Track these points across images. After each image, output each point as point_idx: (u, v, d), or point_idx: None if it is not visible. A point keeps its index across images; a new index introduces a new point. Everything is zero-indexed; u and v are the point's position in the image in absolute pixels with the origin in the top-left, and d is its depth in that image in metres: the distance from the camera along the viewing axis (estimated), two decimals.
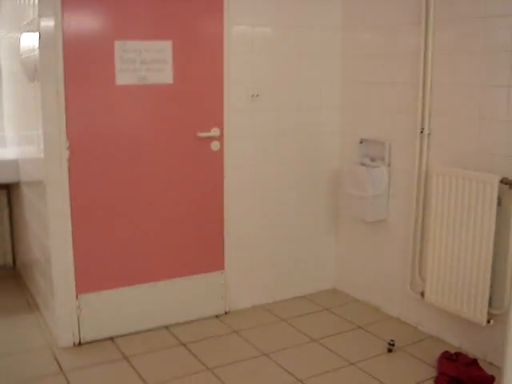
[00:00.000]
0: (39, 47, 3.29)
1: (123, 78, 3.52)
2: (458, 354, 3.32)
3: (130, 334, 3.72)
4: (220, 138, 3.86)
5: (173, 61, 3.64)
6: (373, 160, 4.04)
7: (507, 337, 2.02)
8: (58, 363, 3.38)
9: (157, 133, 3.68)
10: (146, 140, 3.65)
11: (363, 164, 4.05)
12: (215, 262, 4.00)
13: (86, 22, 3.38)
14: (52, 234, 3.47)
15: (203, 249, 3.95)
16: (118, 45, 3.46)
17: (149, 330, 3.78)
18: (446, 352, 3.36)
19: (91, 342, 3.62)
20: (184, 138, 3.75)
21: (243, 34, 3.86)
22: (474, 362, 3.25)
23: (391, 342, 3.55)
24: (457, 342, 3.57)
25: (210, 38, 3.75)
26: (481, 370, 3.19)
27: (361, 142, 4.13)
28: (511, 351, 1.95)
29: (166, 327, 3.83)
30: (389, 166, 3.93)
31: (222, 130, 3.85)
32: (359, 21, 4.10)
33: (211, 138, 3.83)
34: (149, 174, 3.69)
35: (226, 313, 4.06)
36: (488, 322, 3.24)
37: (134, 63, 3.52)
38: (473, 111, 3.34)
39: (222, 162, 3.90)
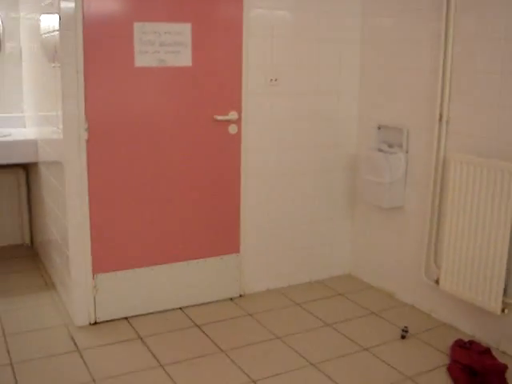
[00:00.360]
0: (59, 28, 3.30)
1: (142, 60, 3.51)
2: (472, 343, 3.32)
3: (145, 314, 3.76)
4: (238, 122, 3.85)
5: (192, 44, 3.63)
6: (390, 146, 4.02)
7: None
8: (74, 342, 3.42)
9: (175, 115, 3.68)
10: (163, 122, 3.66)
11: (381, 150, 4.03)
12: (231, 245, 4.02)
13: (106, 4, 3.38)
14: (69, 214, 3.50)
15: (219, 231, 3.96)
16: (138, 26, 3.46)
17: (164, 311, 3.81)
18: (460, 340, 3.36)
19: (106, 322, 3.66)
20: (202, 121, 3.76)
21: (262, 17, 3.84)
22: (487, 351, 3.24)
23: (405, 329, 3.56)
24: (470, 330, 3.57)
25: (229, 21, 3.74)
26: (494, 358, 3.19)
27: (379, 128, 4.11)
28: None
29: (181, 309, 3.86)
30: (406, 152, 3.91)
31: (239, 113, 3.85)
32: (379, 6, 4.07)
33: (229, 122, 3.83)
34: (166, 156, 3.70)
35: (240, 296, 4.09)
36: (502, 310, 3.23)
37: (153, 45, 3.52)
38: (492, 99, 3.31)
39: (239, 145, 3.90)
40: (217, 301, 3.99)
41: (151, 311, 3.79)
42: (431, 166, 3.69)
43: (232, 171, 3.93)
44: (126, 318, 3.71)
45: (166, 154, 3.70)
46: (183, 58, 3.63)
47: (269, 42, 3.90)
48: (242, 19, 3.76)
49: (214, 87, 3.76)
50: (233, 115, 3.82)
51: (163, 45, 3.55)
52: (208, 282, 3.96)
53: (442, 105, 3.60)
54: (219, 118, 3.78)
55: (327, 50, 4.13)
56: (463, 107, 3.50)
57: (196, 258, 3.90)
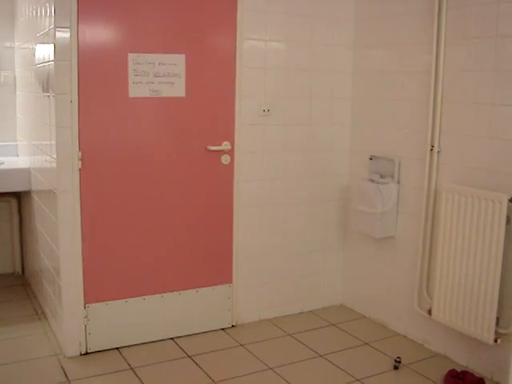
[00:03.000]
0: (54, 58, 3.33)
1: (136, 91, 3.55)
2: (465, 373, 3.30)
3: (137, 344, 3.73)
4: (230, 152, 3.88)
5: (186, 74, 3.67)
6: (382, 177, 4.05)
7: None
8: (65, 372, 3.38)
9: (168, 145, 3.71)
10: (157, 152, 3.68)
11: (373, 180, 4.06)
12: (223, 275, 4.01)
13: (101, 34, 3.43)
14: (62, 244, 3.49)
15: (212, 261, 3.96)
16: (132, 57, 3.50)
17: (155, 342, 3.79)
18: (453, 370, 3.35)
19: (98, 352, 3.63)
20: (195, 151, 3.78)
21: (255, 48, 3.89)
22: (480, 381, 3.23)
23: (397, 359, 3.55)
24: (463, 360, 3.56)
25: (222, 52, 3.79)
26: None
27: (370, 159, 4.14)
28: None
29: (173, 339, 3.84)
30: (398, 182, 3.94)
31: (232, 143, 3.88)
32: (371, 38, 4.13)
33: (222, 152, 3.85)
34: (159, 186, 3.71)
35: (232, 326, 4.07)
36: (495, 341, 3.23)
37: (147, 76, 3.56)
38: (483, 130, 3.35)
39: (231, 175, 3.93)
40: (209, 331, 3.97)
41: (143, 341, 3.76)
42: (423, 196, 3.72)
43: (225, 201, 3.94)
44: (117, 349, 3.68)
45: (159, 183, 3.71)
46: (177, 89, 3.67)
47: (262, 73, 3.95)
48: (235, 51, 3.81)
49: (207, 118, 3.79)
50: (226, 145, 3.85)
51: (157, 75, 3.59)
52: (200, 313, 3.94)
53: (433, 135, 3.64)
54: (212, 148, 3.80)
55: (319, 81, 4.18)
56: (454, 138, 3.54)
57: (188, 288, 3.88)
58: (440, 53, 3.55)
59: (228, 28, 3.78)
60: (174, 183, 3.76)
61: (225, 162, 3.88)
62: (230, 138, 3.87)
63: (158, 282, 3.79)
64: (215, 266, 3.98)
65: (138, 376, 3.37)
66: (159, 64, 3.59)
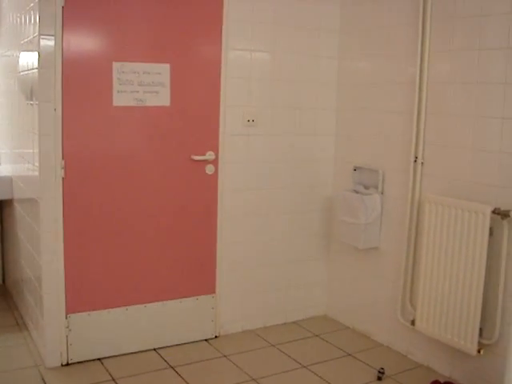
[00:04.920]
0: (38, 66, 3.31)
1: (120, 100, 3.53)
2: None
3: (119, 355, 3.69)
4: (214, 162, 3.87)
5: (170, 84, 3.67)
6: (366, 188, 4.06)
7: (507, 365, 2.01)
8: (45, 383, 3.34)
9: (152, 154, 3.69)
10: (141, 161, 3.66)
11: (356, 191, 4.07)
12: (206, 286, 3.99)
13: (86, 43, 3.42)
14: (43, 253, 3.46)
15: (195, 272, 3.93)
16: (116, 66, 3.49)
17: (138, 353, 3.75)
18: (436, 381, 3.35)
19: (79, 363, 3.59)
20: (179, 161, 3.77)
21: (240, 58, 3.90)
22: None
23: (381, 370, 3.54)
24: (447, 371, 3.57)
25: (208, 62, 3.79)
26: None
27: (354, 170, 4.16)
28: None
29: (155, 350, 3.80)
30: (382, 193, 3.95)
31: (217, 153, 3.87)
32: (356, 50, 4.15)
33: (206, 162, 3.85)
34: (143, 196, 3.69)
35: (215, 337, 4.04)
36: (478, 351, 3.24)
37: (131, 85, 3.55)
38: (466, 141, 3.38)
39: (215, 185, 3.92)
40: (192, 342, 3.94)
41: (125, 352, 3.73)
42: (406, 207, 3.73)
43: (208, 211, 3.93)
44: (99, 359, 3.64)
45: (143, 193, 3.69)
46: (162, 98, 3.66)
47: (246, 84, 3.95)
48: (220, 61, 3.81)
49: (191, 127, 3.78)
50: (210, 155, 3.84)
51: (142, 84, 3.58)
52: (183, 323, 3.92)
53: (416, 147, 3.66)
54: (196, 158, 3.79)
55: (304, 92, 4.19)
56: (438, 149, 3.56)
57: (171, 299, 3.86)
58: (424, 65, 3.57)
59: (213, 38, 3.78)
60: (158, 192, 3.74)
61: (209, 172, 3.87)
62: (215, 148, 3.87)
63: (141, 292, 3.76)
64: (199, 277, 3.96)
65: None
66: (144, 73, 3.58)
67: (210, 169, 3.87)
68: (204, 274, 3.98)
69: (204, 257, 3.96)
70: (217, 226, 3.97)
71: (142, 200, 3.69)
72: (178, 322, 3.90)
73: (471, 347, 3.25)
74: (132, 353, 3.74)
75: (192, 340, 3.95)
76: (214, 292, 4.02)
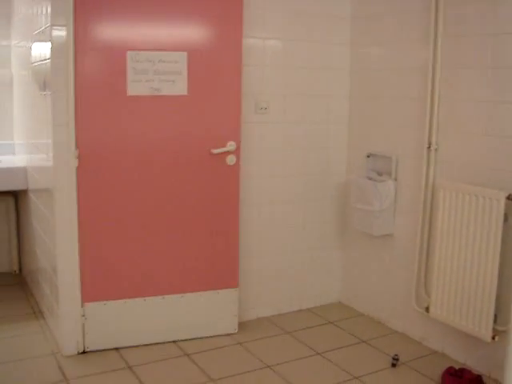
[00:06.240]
0: (51, 56, 3.32)
1: (135, 89, 3.49)
2: (463, 370, 3.31)
3: (137, 346, 3.70)
4: (236, 152, 3.75)
5: (188, 72, 3.58)
6: (380, 174, 4.05)
7: (507, 353, 2.01)
8: (62, 371, 3.38)
9: (169, 144, 3.62)
10: (157, 150, 3.60)
11: (370, 178, 4.05)
12: (228, 279, 3.88)
13: (99, 32, 3.40)
14: (59, 242, 3.49)
15: (216, 265, 3.84)
16: (131, 55, 3.45)
17: (156, 344, 3.74)
18: (451, 368, 3.34)
19: (96, 352, 3.62)
20: (198, 151, 3.67)
21: (254, 46, 3.88)
22: (478, 379, 3.24)
23: (395, 357, 3.55)
24: (461, 357, 3.56)
25: (227, 49, 3.66)
26: None
27: (368, 156, 4.14)
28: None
29: (175, 342, 3.79)
30: (395, 180, 3.94)
31: (238, 143, 3.75)
32: (368, 36, 4.12)
33: (227, 153, 3.73)
34: (160, 185, 3.64)
35: (237, 332, 3.98)
36: (493, 338, 3.23)
37: (146, 74, 3.50)
38: (480, 127, 3.35)
39: (237, 176, 3.79)
40: (212, 336, 3.87)
41: (142, 343, 3.72)
42: (420, 193, 3.71)
43: (229, 202, 3.81)
44: (116, 349, 3.66)
45: (160, 182, 3.64)
46: (178, 87, 3.58)
47: (259, 71, 3.93)
48: (241, 48, 3.67)
49: (210, 116, 3.68)
50: (231, 146, 3.72)
51: (157, 73, 3.52)
52: (203, 317, 3.85)
53: (430, 133, 3.63)
54: (216, 151, 3.67)
55: (317, 79, 4.18)
56: (451, 135, 3.54)
57: (191, 291, 3.79)
58: (437, 50, 3.54)
59: (233, 25, 3.64)
60: (176, 183, 3.67)
61: (230, 163, 3.75)
62: (236, 138, 3.74)
63: (159, 283, 3.72)
64: (220, 270, 3.85)
65: (136, 374, 3.36)
66: (159, 61, 3.51)
67: (231, 159, 3.75)
68: (226, 267, 3.87)
69: (226, 249, 3.85)
70: (238, 217, 3.86)
71: (159, 189, 3.64)
72: (198, 315, 3.84)
73: (486, 334, 3.24)
74: (150, 344, 3.73)
75: (212, 334, 3.88)
76: (236, 286, 3.92)
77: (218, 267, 3.85)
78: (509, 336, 2.00)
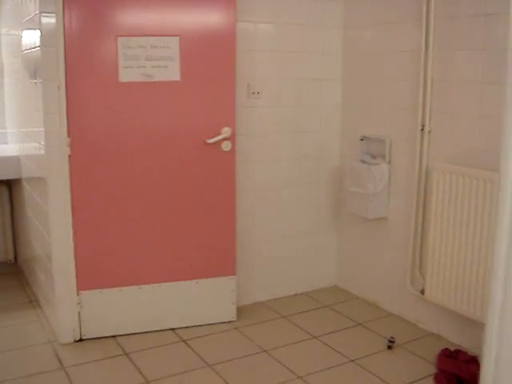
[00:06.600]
0: (40, 44, 3.29)
1: (127, 75, 3.46)
2: (458, 352, 3.32)
3: (133, 334, 3.70)
4: (231, 138, 3.70)
5: (180, 57, 3.53)
6: (373, 157, 4.05)
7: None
8: (59, 359, 3.39)
9: (163, 131, 3.59)
10: (151, 137, 3.57)
11: (364, 161, 4.05)
12: (225, 267, 3.85)
13: (88, 18, 3.36)
14: (53, 231, 3.48)
15: (213, 252, 3.81)
16: (122, 41, 3.42)
17: (153, 332, 3.74)
18: (446, 349, 3.36)
19: (92, 339, 3.62)
20: (193, 138, 3.63)
21: (245, 30, 3.85)
22: (473, 360, 3.25)
23: (391, 339, 3.56)
24: (457, 339, 3.58)
25: (220, 34, 3.60)
26: (480, 367, 3.18)
27: (362, 140, 4.13)
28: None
29: (173, 330, 3.78)
30: (389, 163, 3.94)
31: (233, 129, 3.70)
32: (360, 19, 4.10)
33: (222, 139, 3.67)
34: (155, 171, 3.61)
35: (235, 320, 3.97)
36: None
37: (138, 60, 3.46)
38: (473, 109, 3.34)
39: (233, 161, 3.75)
40: (210, 324, 3.86)
41: (139, 331, 3.72)
42: (414, 176, 3.71)
43: (225, 188, 3.76)
44: (113, 336, 3.67)
45: (155, 168, 3.61)
46: (171, 72, 3.54)
47: (251, 55, 3.91)
48: (234, 32, 3.61)
49: (204, 101, 3.64)
50: (226, 132, 3.67)
51: (149, 59, 3.48)
52: (200, 305, 3.83)
53: (423, 115, 3.63)
54: (211, 140, 3.62)
55: (309, 62, 4.16)
56: (445, 117, 3.53)
57: (187, 279, 3.77)
58: (430, 32, 3.52)
59: (226, 9, 3.57)
60: (171, 169, 3.63)
61: (225, 149, 3.70)
62: (231, 124, 3.69)
63: (155, 271, 3.70)
64: (217, 257, 3.82)
65: (132, 361, 3.37)
66: (151, 47, 3.47)
67: (226, 145, 3.70)
68: (223, 255, 3.84)
69: (223, 236, 3.82)
70: (235, 203, 3.82)
71: (153, 175, 3.62)
72: (196, 303, 3.82)
73: (481, 315, 3.25)
74: (147, 332, 3.73)
75: (211, 322, 3.86)
76: (233, 273, 3.89)
77: (215, 255, 3.83)
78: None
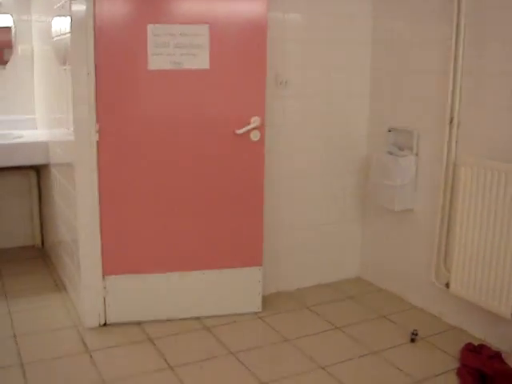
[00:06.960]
0: (71, 31, 3.32)
1: (156, 63, 3.45)
2: (482, 346, 3.30)
3: (158, 320, 3.72)
4: (260, 128, 3.66)
5: (210, 45, 3.50)
6: (401, 149, 4.02)
7: None
8: (84, 343, 3.43)
9: (191, 119, 3.57)
10: (179, 125, 3.57)
11: (391, 153, 4.02)
12: (252, 257, 3.82)
13: (118, 6, 3.37)
14: (80, 216, 3.52)
15: (240, 242, 3.79)
16: (151, 28, 3.41)
17: (178, 320, 3.74)
18: (470, 344, 3.34)
19: (117, 324, 3.66)
20: (221, 127, 3.61)
21: (274, 20, 3.81)
22: (497, 355, 3.23)
23: (414, 332, 3.55)
24: (481, 334, 3.55)
25: (250, 23, 3.55)
26: (504, 363, 3.17)
27: (389, 131, 4.11)
28: None
29: (197, 318, 3.79)
30: (416, 155, 3.90)
31: (262, 119, 3.65)
32: (390, 9, 4.06)
33: (251, 129, 3.64)
34: (181, 159, 3.60)
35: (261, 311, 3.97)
36: None
37: (167, 47, 3.45)
38: (503, 101, 3.30)
39: (261, 151, 3.70)
40: (235, 314, 3.85)
41: (163, 318, 3.73)
42: (442, 168, 3.68)
43: (254, 178, 3.73)
44: (137, 323, 3.69)
45: (182, 156, 3.61)
46: (200, 61, 3.51)
47: (280, 45, 3.89)
48: (266, 20, 3.56)
49: (233, 90, 3.61)
50: (255, 121, 3.63)
51: (178, 47, 3.47)
52: (227, 295, 3.83)
53: (452, 107, 3.59)
54: (240, 131, 3.59)
55: (338, 52, 4.13)
56: (474, 110, 3.49)
57: (213, 268, 3.76)
58: (460, 23, 3.47)
59: None
60: (199, 158, 3.61)
61: (254, 139, 3.66)
62: (260, 113, 3.64)
63: (181, 259, 3.70)
64: (244, 247, 3.80)
65: (156, 346, 3.41)
66: (181, 35, 3.46)
67: (255, 135, 3.66)
68: (250, 245, 3.81)
69: (250, 227, 3.79)
70: (263, 194, 3.78)
71: (181, 163, 3.61)
72: (221, 292, 3.81)
73: (505, 310, 3.22)
74: (171, 320, 3.74)
75: (236, 312, 3.84)
76: (260, 264, 3.85)
77: (243, 244, 3.81)
78: None
